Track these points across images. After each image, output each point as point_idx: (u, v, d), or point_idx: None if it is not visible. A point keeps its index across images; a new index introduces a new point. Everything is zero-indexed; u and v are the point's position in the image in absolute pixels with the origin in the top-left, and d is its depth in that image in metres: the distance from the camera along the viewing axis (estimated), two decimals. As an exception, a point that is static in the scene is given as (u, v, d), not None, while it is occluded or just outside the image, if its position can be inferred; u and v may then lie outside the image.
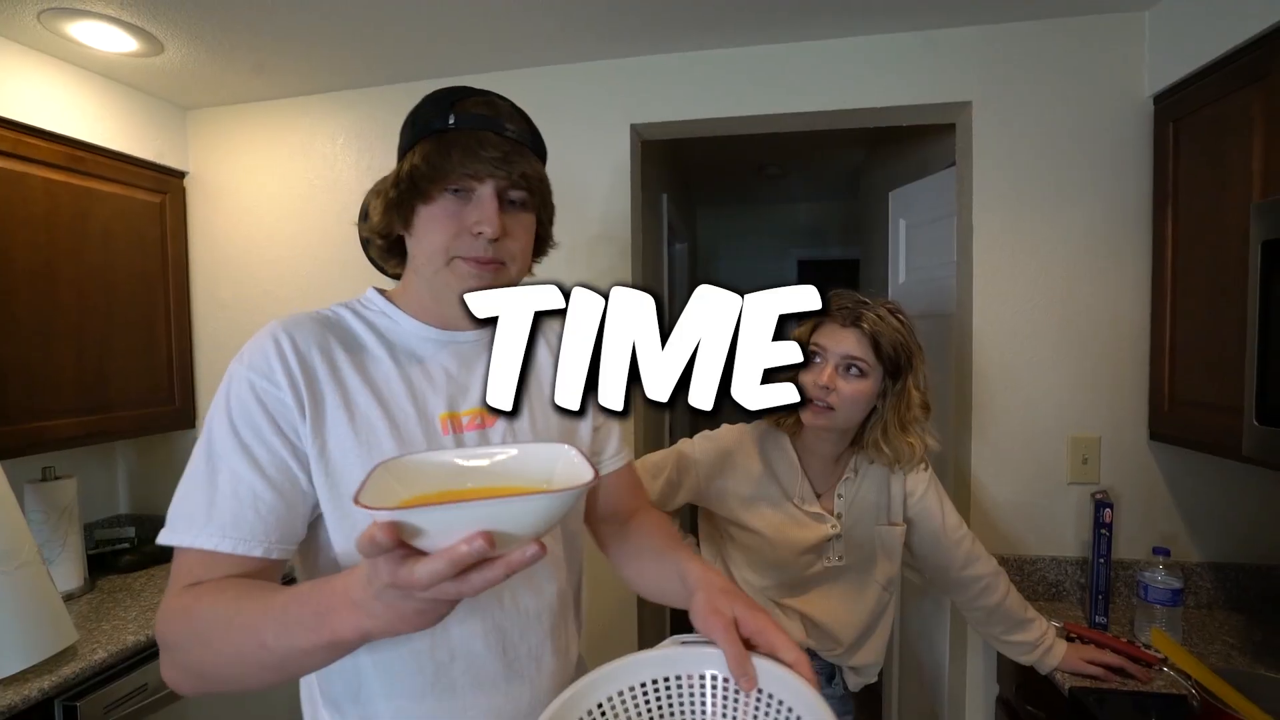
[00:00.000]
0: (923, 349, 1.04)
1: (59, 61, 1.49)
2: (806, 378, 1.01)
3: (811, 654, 1.09)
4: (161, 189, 1.72)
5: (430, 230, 0.64)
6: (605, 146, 1.62)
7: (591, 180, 1.63)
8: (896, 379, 1.02)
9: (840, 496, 1.09)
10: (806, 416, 1.01)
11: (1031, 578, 1.45)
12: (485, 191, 0.63)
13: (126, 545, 1.71)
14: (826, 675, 1.11)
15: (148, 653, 1.35)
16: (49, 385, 1.44)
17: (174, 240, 1.75)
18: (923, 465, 1.09)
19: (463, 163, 0.62)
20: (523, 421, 0.70)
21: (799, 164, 3.09)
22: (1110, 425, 1.42)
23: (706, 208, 4.09)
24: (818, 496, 1.09)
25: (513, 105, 0.70)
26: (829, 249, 3.99)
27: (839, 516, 1.08)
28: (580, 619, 0.79)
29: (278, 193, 1.77)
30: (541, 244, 0.73)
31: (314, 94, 1.73)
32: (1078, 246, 1.43)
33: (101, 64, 1.53)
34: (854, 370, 1.00)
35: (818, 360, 1.02)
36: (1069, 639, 1.19)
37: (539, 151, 0.70)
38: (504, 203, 0.65)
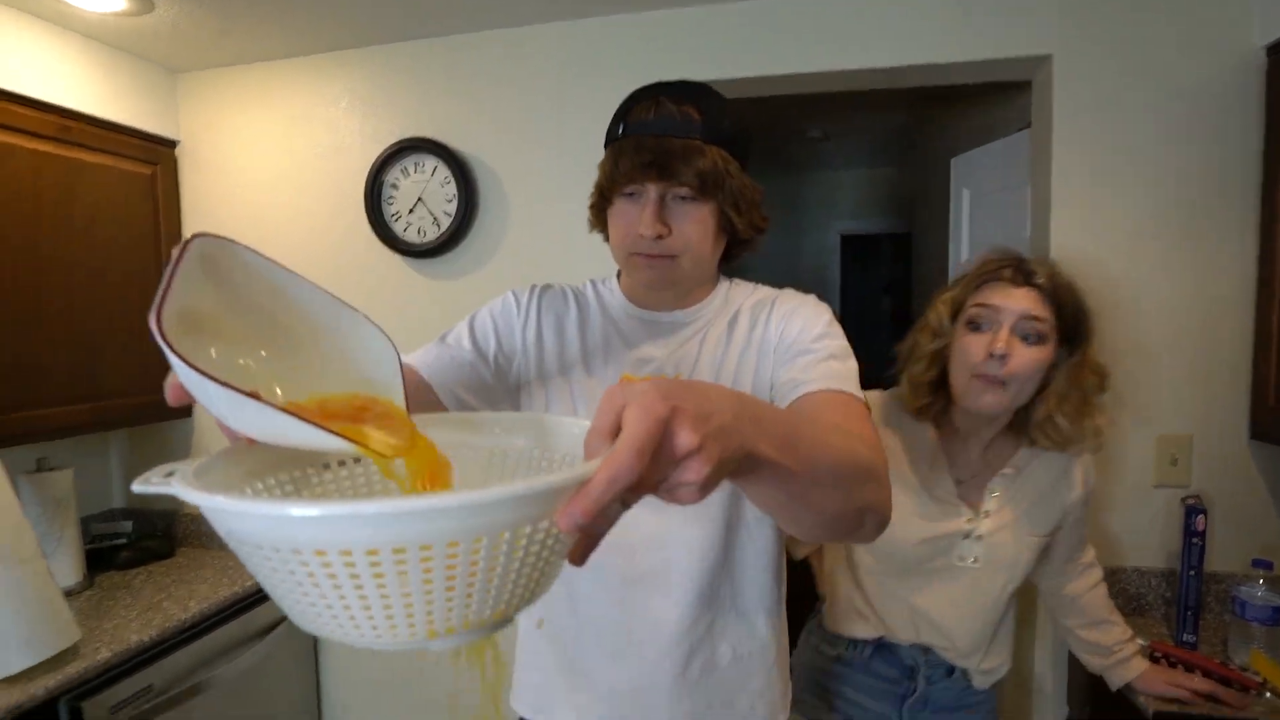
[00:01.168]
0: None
1: (39, 21, 1.50)
2: (973, 347, 0.97)
3: (926, 649, 1.09)
4: (152, 159, 1.73)
5: (612, 231, 0.81)
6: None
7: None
8: (1074, 347, 0.98)
9: (994, 494, 1.05)
10: (971, 399, 0.97)
11: (1111, 590, 1.41)
12: (647, 195, 0.76)
13: (124, 541, 1.76)
14: (945, 669, 1.09)
15: (152, 653, 1.40)
16: (39, 371, 1.47)
17: (166, 215, 1.77)
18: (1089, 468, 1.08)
19: (626, 172, 0.75)
20: None
21: (844, 127, 3.04)
22: (1204, 422, 1.38)
23: (739, 175, 4.04)
24: (958, 484, 1.05)
25: (687, 98, 0.77)
26: (876, 221, 3.93)
27: (986, 514, 1.04)
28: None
29: (276, 161, 1.78)
30: (735, 230, 0.81)
31: (313, 54, 1.72)
32: (1172, 221, 1.38)
33: (84, 24, 1.54)
34: (1033, 334, 0.95)
35: (984, 326, 0.97)
36: (1154, 658, 1.17)
37: (720, 138, 0.76)
38: (672, 199, 0.76)
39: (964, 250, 1.93)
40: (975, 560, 1.04)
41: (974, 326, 0.99)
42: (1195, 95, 1.36)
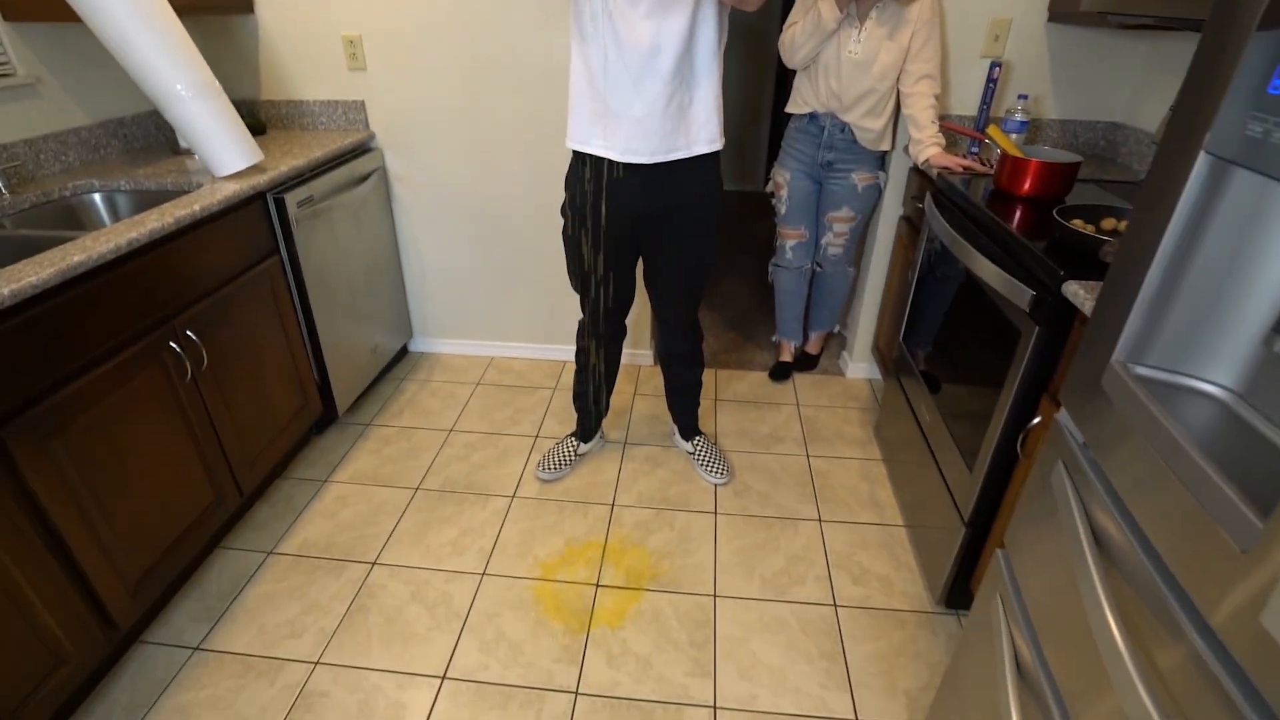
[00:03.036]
0: None
1: None
2: None
3: (832, 115, 2.20)
4: None
5: None
6: None
7: None
8: None
9: (870, 18, 2.05)
10: None
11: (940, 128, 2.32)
12: None
13: (228, 115, 2.34)
14: (840, 125, 2.22)
15: (304, 176, 2.11)
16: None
17: None
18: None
19: None
20: None
21: None
22: (1021, 8, 2.14)
23: None
24: (854, 15, 2.06)
25: None
26: None
27: (865, 28, 2.05)
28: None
29: None
30: None
31: None
32: None
33: None
34: None
35: None
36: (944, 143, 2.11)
37: None
38: None
39: None
40: (856, 53, 2.04)
41: None
42: None
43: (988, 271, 1.56)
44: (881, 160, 2.34)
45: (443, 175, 2.55)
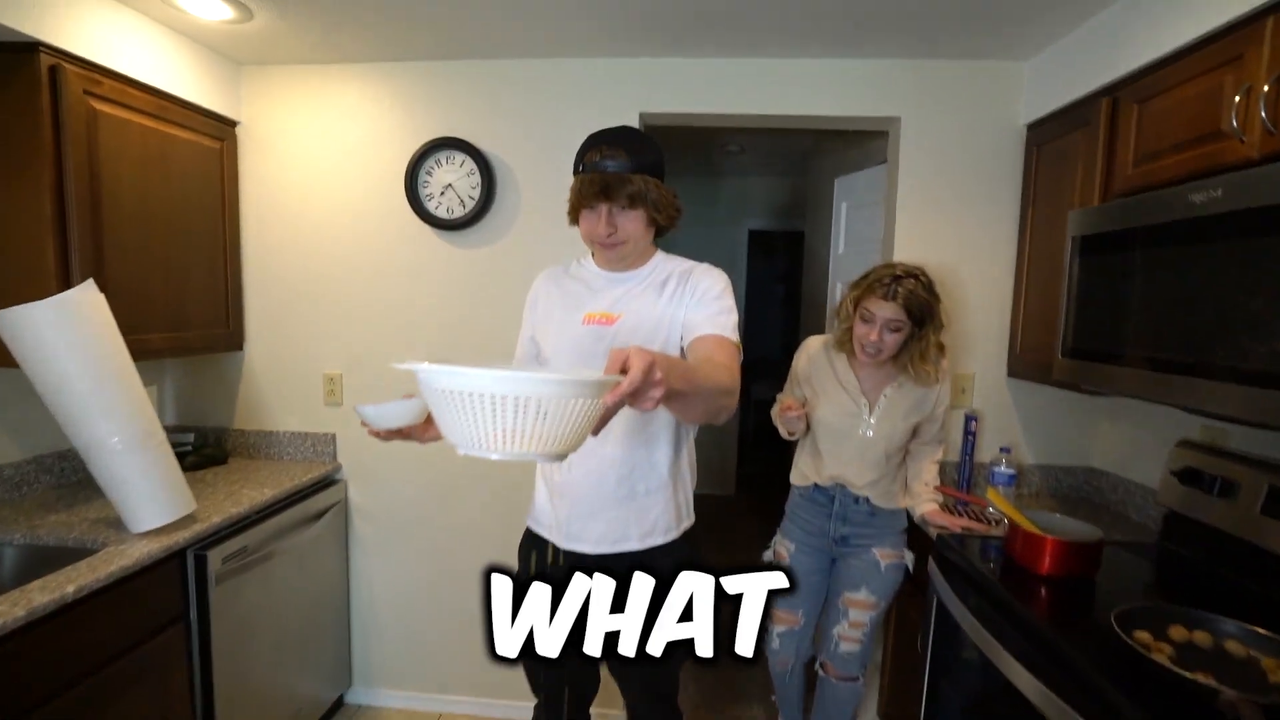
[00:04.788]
0: (940, 300, 1.62)
1: (142, 16, 1.70)
2: (860, 331, 1.61)
3: (842, 485, 1.72)
4: (219, 136, 1.97)
5: (582, 229, 1.21)
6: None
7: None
8: (921, 327, 1.60)
9: (885, 396, 1.69)
10: (861, 357, 1.64)
11: (920, 474, 2.03)
12: (600, 209, 1.15)
13: (189, 449, 2.01)
14: (853, 497, 1.72)
15: (244, 522, 1.71)
16: (144, 303, 1.72)
17: (229, 184, 2.01)
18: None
19: (586, 197, 1.15)
20: (627, 320, 1.19)
21: (756, 144, 3.56)
22: (982, 366, 2.01)
23: (670, 179, 4.49)
24: (863, 391, 1.70)
25: (619, 144, 1.14)
26: (777, 221, 4.53)
27: (878, 408, 1.68)
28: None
29: (326, 146, 2.05)
30: (658, 220, 1.20)
31: (364, 61, 2.01)
32: (967, 237, 1.98)
33: (183, 24, 1.76)
34: (893, 327, 1.57)
35: (868, 321, 1.60)
36: (942, 502, 1.77)
37: (648, 168, 1.15)
38: (616, 210, 1.14)
39: (841, 245, 2.48)
40: (871, 432, 1.67)
41: (864, 319, 1.62)
42: (986, 151, 1.95)
43: (1041, 698, 1.11)
44: (906, 532, 1.78)
45: (407, 509, 2.16)
